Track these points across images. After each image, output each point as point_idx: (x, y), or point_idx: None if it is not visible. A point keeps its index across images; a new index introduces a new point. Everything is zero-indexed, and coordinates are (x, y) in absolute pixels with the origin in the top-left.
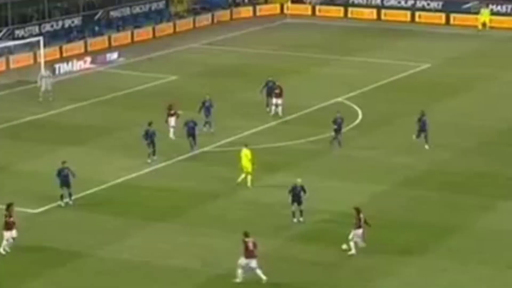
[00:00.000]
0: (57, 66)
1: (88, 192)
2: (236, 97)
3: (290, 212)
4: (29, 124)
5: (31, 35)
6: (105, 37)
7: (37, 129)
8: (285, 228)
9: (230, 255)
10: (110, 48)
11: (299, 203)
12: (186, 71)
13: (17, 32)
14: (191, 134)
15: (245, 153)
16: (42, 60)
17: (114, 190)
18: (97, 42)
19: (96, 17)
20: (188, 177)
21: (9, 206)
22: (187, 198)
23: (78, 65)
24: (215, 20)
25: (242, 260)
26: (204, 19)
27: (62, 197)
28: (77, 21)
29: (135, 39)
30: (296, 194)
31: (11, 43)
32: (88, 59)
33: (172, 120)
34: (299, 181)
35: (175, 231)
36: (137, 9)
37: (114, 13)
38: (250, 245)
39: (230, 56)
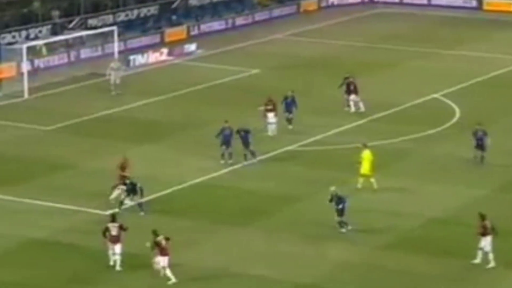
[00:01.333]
0: (131, 58)
1: (161, 193)
2: (322, 93)
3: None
4: (101, 119)
5: (105, 25)
6: (183, 27)
7: (108, 125)
8: (375, 234)
9: (312, 263)
10: (188, 39)
11: (340, 214)
12: (268, 63)
13: (89, 21)
14: (226, 142)
15: (366, 154)
16: (115, 52)
17: (190, 192)
18: (174, 33)
19: (174, 5)
20: (268, 178)
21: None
22: (266, 201)
23: (153, 57)
24: (301, 10)
25: (159, 259)
26: (289, 8)
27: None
28: (153, 10)
29: (215, 29)
30: (336, 203)
31: (83, 33)
32: (165, 50)
33: (270, 116)
34: (332, 189)
35: (252, 236)
36: None
37: (192, 2)
38: (163, 243)
39: (316, 48)
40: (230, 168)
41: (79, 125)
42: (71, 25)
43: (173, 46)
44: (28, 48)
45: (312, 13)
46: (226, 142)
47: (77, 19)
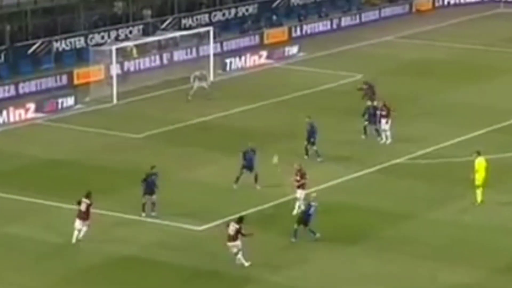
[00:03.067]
0: (228, 61)
1: (257, 208)
2: (436, 99)
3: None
4: (195, 126)
5: (200, 25)
6: (284, 28)
7: (203, 132)
8: (492, 254)
9: (423, 286)
10: (289, 41)
11: (306, 224)
12: (377, 68)
13: (184, 21)
14: (248, 166)
15: (480, 163)
16: (211, 54)
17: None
18: (275, 34)
19: (274, 5)
20: (374, 192)
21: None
22: (372, 217)
23: (252, 60)
24: (414, 9)
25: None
26: (401, 8)
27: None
28: (252, 9)
29: (318, 30)
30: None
31: (177, 33)
32: (264, 53)
33: (384, 123)
34: (313, 195)
35: (358, 256)
36: None
37: (294, 1)
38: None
39: (429, 52)
40: (333, 182)
41: (172, 132)
42: (163, 25)
43: (273, 48)
44: (118, 50)
45: (426, 13)
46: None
47: (170, 18)
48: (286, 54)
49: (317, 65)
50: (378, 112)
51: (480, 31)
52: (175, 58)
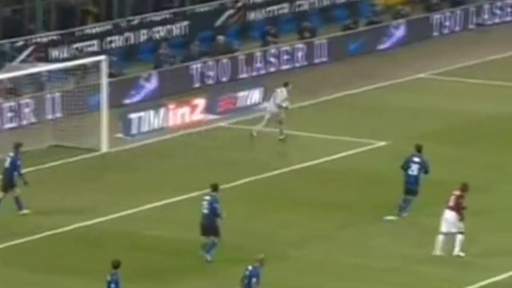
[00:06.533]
0: (133, 116)
1: None
2: None
3: None
4: None
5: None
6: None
7: None
8: None
9: None
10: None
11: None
12: (409, 130)
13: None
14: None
15: None
16: (103, 102)
17: None
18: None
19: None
20: None
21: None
22: None
23: (179, 114)
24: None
25: None
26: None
27: None
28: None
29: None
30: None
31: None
32: (202, 102)
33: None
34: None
35: None
36: None
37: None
38: None
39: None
40: None
41: None
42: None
43: (217, 94)
44: None
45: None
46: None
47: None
48: (241, 104)
49: (299, 125)
50: None
51: None
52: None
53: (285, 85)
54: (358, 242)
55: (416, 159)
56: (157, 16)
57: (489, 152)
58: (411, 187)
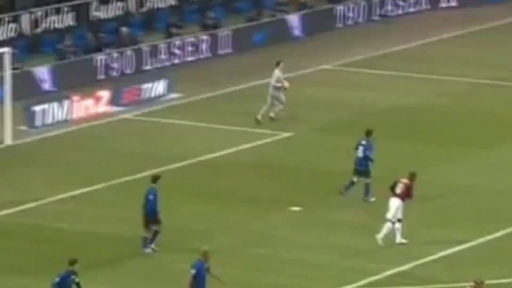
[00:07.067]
0: (36, 109)
1: None
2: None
3: None
4: None
5: None
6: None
7: None
8: None
9: None
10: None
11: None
12: (317, 120)
13: None
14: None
15: None
16: (6, 96)
17: None
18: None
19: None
20: None
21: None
22: None
23: (82, 107)
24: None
25: None
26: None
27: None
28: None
29: (202, 53)
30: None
31: None
32: (106, 94)
33: None
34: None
35: None
36: None
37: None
38: None
39: (407, 91)
40: None
41: None
42: None
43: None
44: None
45: None
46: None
47: None
48: (146, 96)
49: (204, 116)
50: None
51: (497, 54)
52: None
53: (277, 64)
54: (263, 234)
55: (363, 142)
56: (60, 8)
57: (392, 142)
58: (357, 168)
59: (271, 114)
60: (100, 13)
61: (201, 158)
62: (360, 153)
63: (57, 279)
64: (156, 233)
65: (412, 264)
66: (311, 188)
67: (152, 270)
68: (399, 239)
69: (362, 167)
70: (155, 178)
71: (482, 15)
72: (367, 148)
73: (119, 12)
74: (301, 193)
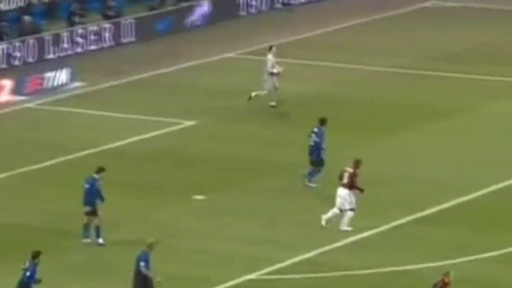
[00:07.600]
0: None
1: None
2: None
3: None
4: None
5: None
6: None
7: None
8: None
9: None
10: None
11: None
12: (218, 109)
13: None
14: None
15: None
16: None
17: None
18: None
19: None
20: None
21: None
22: None
23: None
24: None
25: None
26: None
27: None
28: None
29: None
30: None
31: None
32: (7, 83)
33: None
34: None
35: None
36: None
37: None
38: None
39: (313, 79)
40: None
41: None
42: None
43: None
44: None
45: None
46: None
47: None
48: (49, 85)
49: (107, 105)
50: None
51: (400, 41)
52: None
53: (269, 49)
54: (167, 223)
55: (315, 130)
56: None
57: (296, 130)
58: (309, 156)
59: (272, 103)
60: (1, 4)
61: (105, 147)
62: (311, 141)
63: (28, 273)
64: (97, 228)
65: (318, 251)
66: (214, 177)
67: (57, 260)
68: (344, 227)
69: (314, 156)
70: (99, 170)
71: (388, 2)
72: (318, 136)
73: (21, 4)
74: (205, 182)
